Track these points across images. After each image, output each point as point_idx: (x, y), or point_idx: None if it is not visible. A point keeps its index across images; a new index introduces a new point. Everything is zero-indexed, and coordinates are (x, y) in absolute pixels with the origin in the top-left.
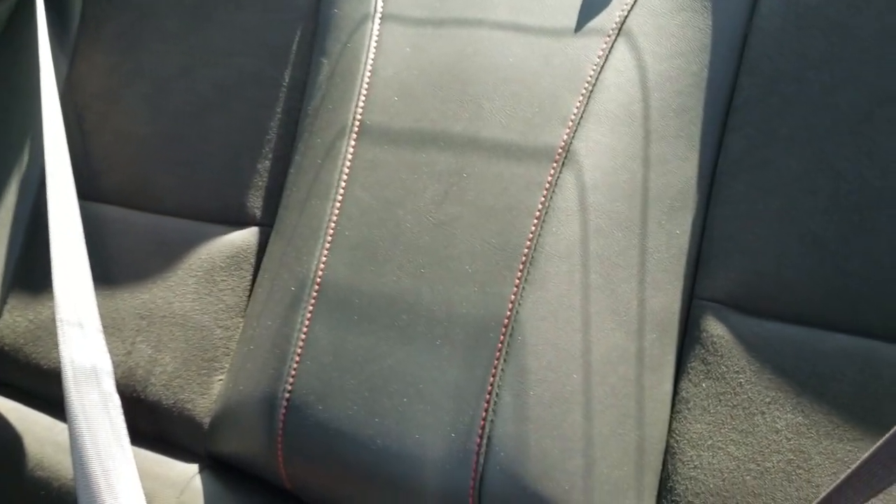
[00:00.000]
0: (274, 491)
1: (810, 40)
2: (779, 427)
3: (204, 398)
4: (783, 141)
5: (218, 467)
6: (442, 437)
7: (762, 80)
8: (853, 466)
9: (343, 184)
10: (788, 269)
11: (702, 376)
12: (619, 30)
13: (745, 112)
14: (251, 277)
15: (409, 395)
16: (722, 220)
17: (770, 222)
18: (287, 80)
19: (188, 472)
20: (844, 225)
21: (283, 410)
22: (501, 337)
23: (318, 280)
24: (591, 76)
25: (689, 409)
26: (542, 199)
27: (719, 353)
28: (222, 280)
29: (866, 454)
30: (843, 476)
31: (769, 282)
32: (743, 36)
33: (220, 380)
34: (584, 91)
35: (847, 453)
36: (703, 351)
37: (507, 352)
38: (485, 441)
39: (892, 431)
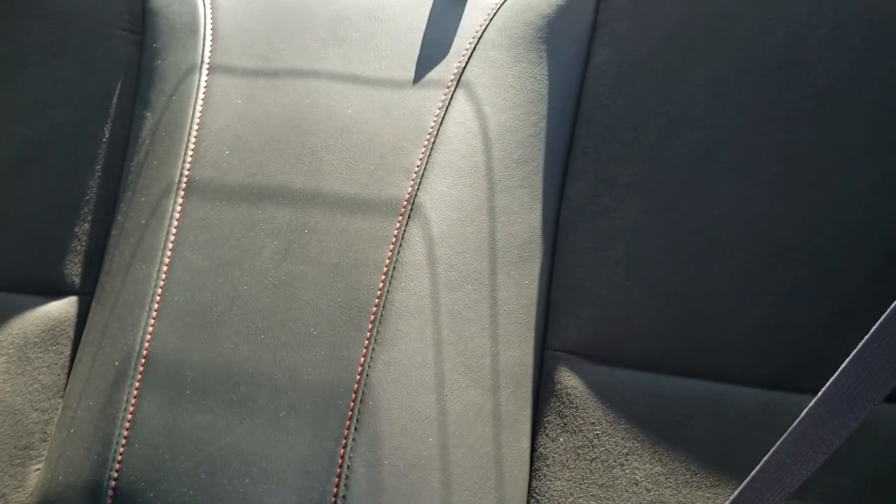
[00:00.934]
0: None
1: (645, 89)
2: (638, 478)
3: (19, 491)
4: (623, 188)
5: None
6: None
7: (599, 129)
8: None
9: (171, 245)
10: (635, 316)
11: (559, 430)
12: (458, 81)
13: (584, 161)
14: (70, 353)
15: (251, 476)
16: (568, 270)
17: (615, 270)
18: (108, 135)
19: None
20: (687, 268)
21: (109, 501)
22: (351, 404)
23: (145, 352)
24: (432, 127)
25: (548, 465)
26: (390, 253)
27: (574, 405)
28: (37, 357)
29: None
30: None
31: (618, 329)
32: (579, 86)
33: (38, 469)
34: (426, 143)
35: (706, 501)
36: (558, 404)
37: (357, 419)
38: None
39: (747, 480)
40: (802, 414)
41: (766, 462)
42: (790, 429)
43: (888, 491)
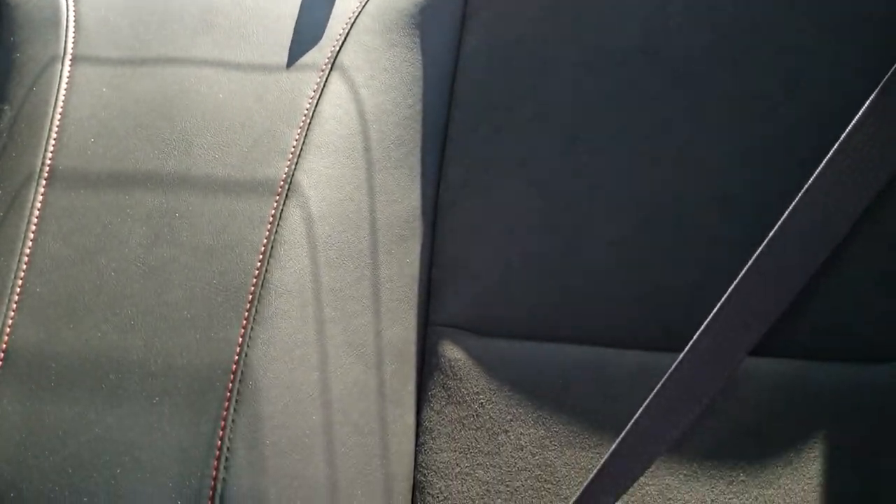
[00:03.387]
0: None
1: (514, 74)
2: (523, 444)
3: None
4: (498, 168)
5: None
6: (165, 502)
7: (474, 112)
8: (594, 471)
9: (32, 235)
10: (514, 288)
11: (443, 402)
12: (332, 64)
13: (459, 142)
14: None
15: (123, 465)
16: (449, 247)
17: (493, 245)
18: None
19: None
20: (560, 242)
21: None
22: (230, 384)
23: (4, 347)
24: (307, 109)
25: (433, 438)
26: (267, 233)
27: (458, 377)
28: None
29: (605, 457)
30: (587, 481)
31: (498, 302)
32: (453, 71)
33: None
34: (301, 124)
35: (590, 460)
36: (442, 377)
37: (237, 400)
38: (216, 498)
39: (626, 430)
40: (670, 370)
41: (639, 417)
42: (658, 386)
43: (760, 439)
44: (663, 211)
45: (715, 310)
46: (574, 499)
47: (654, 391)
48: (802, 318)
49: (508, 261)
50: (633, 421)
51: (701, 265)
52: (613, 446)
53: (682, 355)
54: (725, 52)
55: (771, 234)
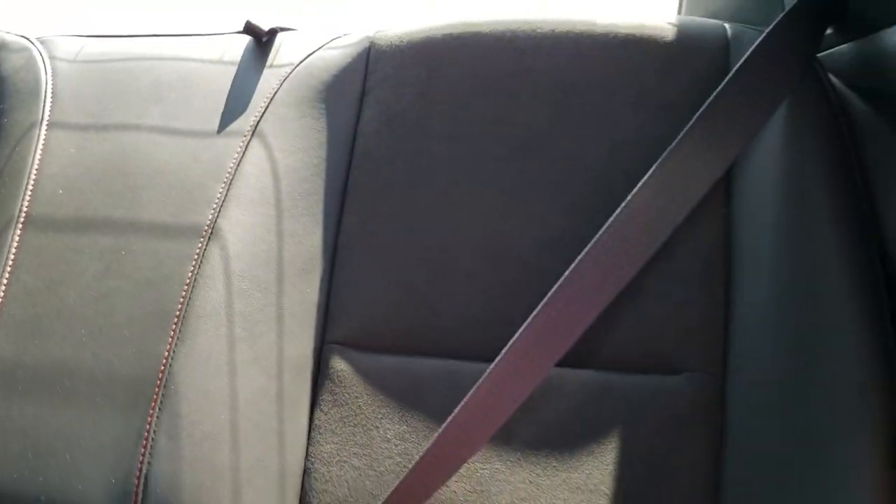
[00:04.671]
0: None
1: (400, 140)
2: (389, 437)
3: None
4: (385, 217)
5: None
6: (103, 485)
7: (367, 171)
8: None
9: (9, 269)
10: (391, 314)
11: (330, 405)
12: (254, 131)
13: (356, 196)
14: None
15: (72, 452)
16: (344, 280)
17: (379, 279)
18: None
19: None
20: (430, 275)
21: None
22: (157, 389)
23: None
24: (230, 167)
25: (321, 434)
26: (192, 268)
27: (343, 385)
28: None
29: (430, 442)
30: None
31: (379, 324)
32: (352, 137)
33: None
34: (225, 179)
35: None
36: (331, 384)
37: (161, 402)
38: (142, 481)
39: (445, 423)
40: (483, 376)
41: (458, 414)
42: (473, 389)
43: (570, 436)
44: (509, 252)
45: (524, 324)
46: (402, 478)
47: (470, 393)
48: (608, 334)
49: (388, 292)
50: (452, 416)
51: (534, 293)
52: (436, 434)
53: (492, 364)
54: (565, 129)
55: (578, 258)
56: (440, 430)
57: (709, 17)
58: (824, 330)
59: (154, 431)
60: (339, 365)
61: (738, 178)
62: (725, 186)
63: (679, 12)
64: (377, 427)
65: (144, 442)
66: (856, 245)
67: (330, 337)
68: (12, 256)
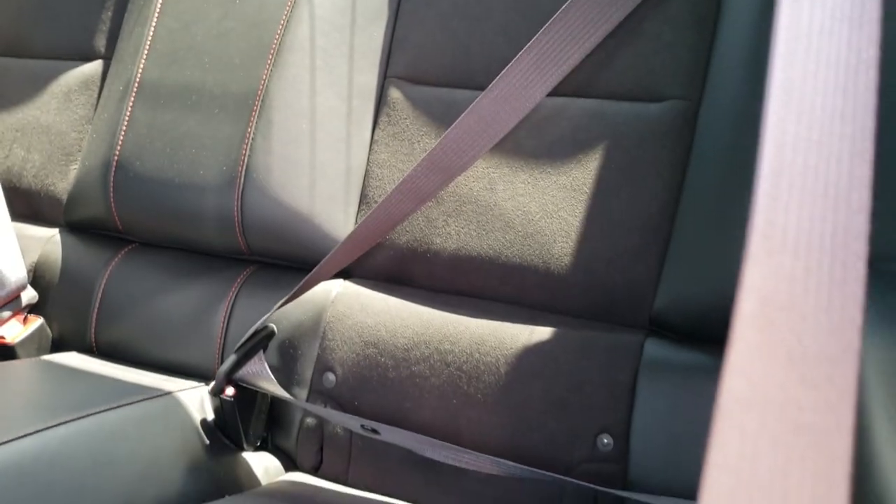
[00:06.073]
0: (121, 243)
1: None
2: (426, 150)
3: (63, 182)
4: None
5: (72, 231)
6: (217, 170)
7: None
8: (428, 153)
9: (156, 16)
10: (437, 53)
11: (386, 124)
12: None
13: None
14: (97, 96)
15: (197, 147)
16: (403, 27)
17: (430, 27)
18: None
19: (50, 232)
20: (469, 22)
21: (113, 170)
22: (257, 101)
23: (138, 81)
24: None
25: (377, 145)
26: (286, 12)
27: (396, 109)
28: (76, 98)
29: (435, 145)
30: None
31: (426, 62)
32: None
33: (75, 167)
34: None
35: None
36: (388, 109)
37: (259, 112)
38: (244, 169)
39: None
40: (472, 104)
41: (449, 134)
42: (462, 115)
43: (566, 149)
44: (539, 5)
45: (521, 51)
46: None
47: (460, 118)
48: (605, 68)
49: (435, 36)
50: (444, 135)
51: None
52: (439, 140)
53: (493, 83)
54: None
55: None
56: (441, 138)
57: None
58: None
59: (253, 133)
60: (395, 94)
61: None
62: None
63: None
64: (418, 141)
65: (246, 140)
66: None
67: (390, 72)
68: (159, 6)
